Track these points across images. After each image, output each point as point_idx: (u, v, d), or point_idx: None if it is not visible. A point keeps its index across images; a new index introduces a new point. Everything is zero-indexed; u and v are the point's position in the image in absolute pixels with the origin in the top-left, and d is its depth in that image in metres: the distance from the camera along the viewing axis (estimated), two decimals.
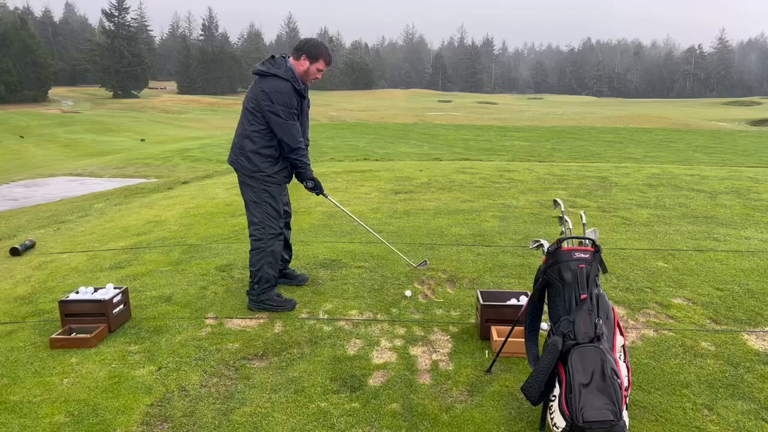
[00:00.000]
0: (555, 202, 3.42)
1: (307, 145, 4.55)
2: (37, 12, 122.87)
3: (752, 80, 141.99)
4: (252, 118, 4.23)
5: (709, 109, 78.94)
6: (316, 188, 4.50)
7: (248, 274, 4.52)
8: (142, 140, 33.25)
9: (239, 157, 4.33)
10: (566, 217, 3.26)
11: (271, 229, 4.37)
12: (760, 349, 3.76)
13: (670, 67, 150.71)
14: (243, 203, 4.48)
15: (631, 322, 4.18)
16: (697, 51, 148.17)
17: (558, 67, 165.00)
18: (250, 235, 4.43)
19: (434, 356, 3.73)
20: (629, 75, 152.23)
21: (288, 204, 4.71)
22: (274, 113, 4.13)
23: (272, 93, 4.11)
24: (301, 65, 4.22)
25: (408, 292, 4.68)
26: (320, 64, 4.26)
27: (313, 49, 4.22)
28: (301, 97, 4.29)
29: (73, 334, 3.94)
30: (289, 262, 4.95)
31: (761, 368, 3.52)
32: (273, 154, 4.29)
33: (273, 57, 4.29)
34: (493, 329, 3.82)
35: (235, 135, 4.40)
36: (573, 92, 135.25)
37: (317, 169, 4.61)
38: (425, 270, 5.21)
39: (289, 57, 4.28)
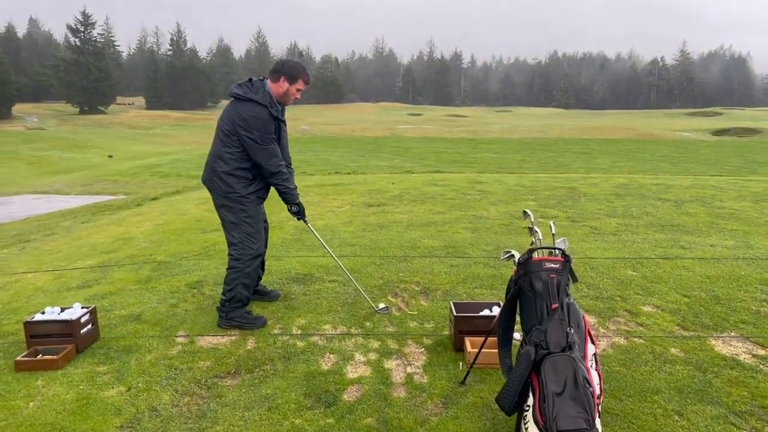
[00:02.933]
0: (525, 213, 3.46)
1: (289, 164, 4.53)
2: (0, 27, 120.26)
3: (713, 91, 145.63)
4: (227, 140, 4.20)
5: (672, 119, 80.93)
6: (300, 213, 4.53)
7: (220, 290, 4.47)
8: (110, 156, 32.76)
9: (213, 178, 4.30)
10: (536, 228, 3.30)
11: (250, 250, 4.34)
12: (727, 354, 3.84)
13: (634, 79, 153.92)
14: (215, 219, 4.45)
15: (602, 330, 4.23)
16: (660, 63, 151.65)
17: (526, 80, 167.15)
18: (229, 255, 4.39)
19: (409, 369, 3.72)
20: (595, 87, 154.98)
21: (265, 221, 4.68)
22: (252, 139, 4.12)
23: (249, 119, 4.09)
24: (280, 87, 4.22)
25: (382, 305, 4.67)
26: (299, 84, 4.27)
27: (292, 70, 4.24)
28: (278, 121, 4.28)
29: (39, 356, 3.83)
30: (260, 279, 4.91)
31: (728, 373, 3.59)
32: (247, 175, 4.27)
33: (251, 80, 4.27)
34: (467, 340, 3.83)
35: (208, 154, 4.37)
36: (541, 104, 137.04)
37: None
38: (398, 282, 5.21)
39: (266, 79, 4.27)
